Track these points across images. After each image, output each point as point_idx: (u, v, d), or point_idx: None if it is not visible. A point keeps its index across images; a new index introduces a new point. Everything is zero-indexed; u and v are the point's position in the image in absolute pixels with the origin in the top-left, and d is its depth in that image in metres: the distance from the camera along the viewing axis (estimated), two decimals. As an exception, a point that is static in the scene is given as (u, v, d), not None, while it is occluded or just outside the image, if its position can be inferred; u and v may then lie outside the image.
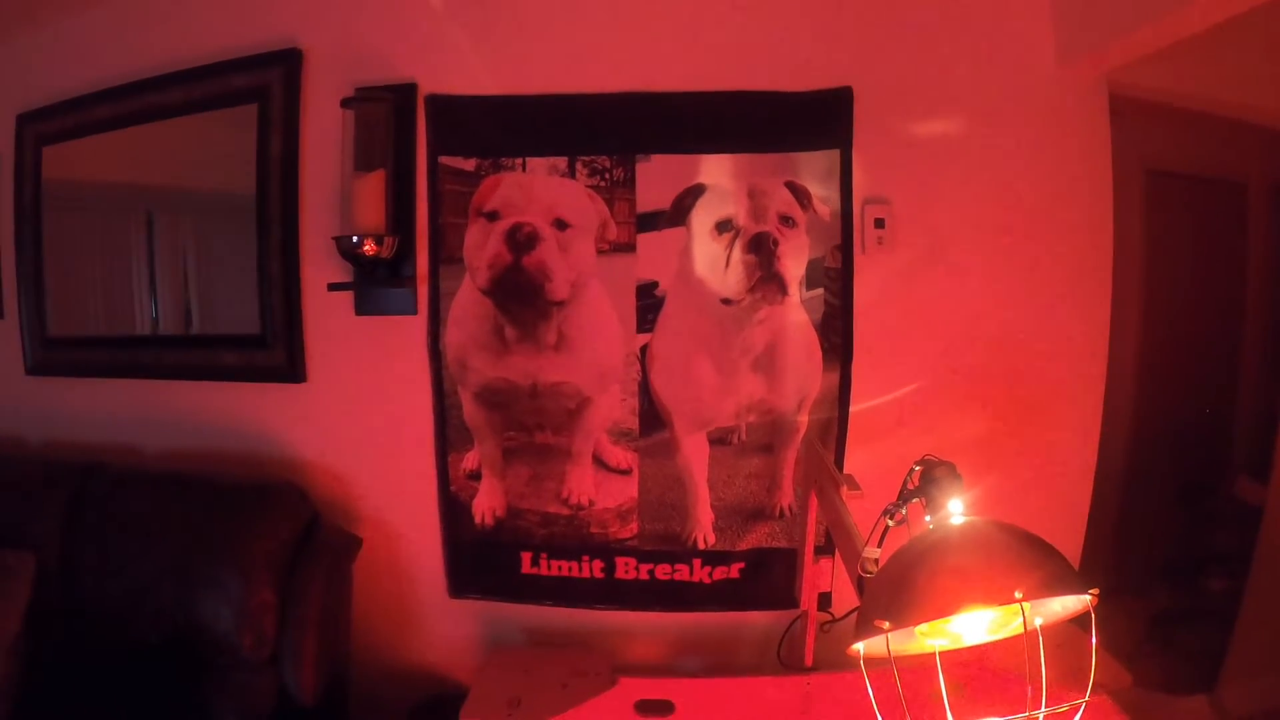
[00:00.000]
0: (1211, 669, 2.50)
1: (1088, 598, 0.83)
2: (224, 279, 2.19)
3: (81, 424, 2.28)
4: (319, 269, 2.00)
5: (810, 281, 1.87)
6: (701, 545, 1.95)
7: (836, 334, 1.88)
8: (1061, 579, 0.81)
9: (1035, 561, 0.82)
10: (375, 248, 1.83)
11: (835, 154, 1.85)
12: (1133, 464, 2.79)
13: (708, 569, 1.95)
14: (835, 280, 1.87)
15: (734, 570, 1.95)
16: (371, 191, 1.83)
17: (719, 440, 1.93)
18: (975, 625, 0.91)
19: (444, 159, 1.93)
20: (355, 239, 1.81)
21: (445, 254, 1.94)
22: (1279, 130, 2.49)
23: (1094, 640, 0.85)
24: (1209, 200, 2.98)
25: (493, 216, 1.90)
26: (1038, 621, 0.86)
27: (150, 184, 2.23)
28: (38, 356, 2.36)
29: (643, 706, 1.58)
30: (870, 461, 1.83)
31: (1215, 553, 2.79)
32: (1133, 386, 2.72)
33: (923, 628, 0.90)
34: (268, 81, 2.01)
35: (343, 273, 1.96)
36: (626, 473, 1.95)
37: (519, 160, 1.90)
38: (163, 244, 2.24)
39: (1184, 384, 2.93)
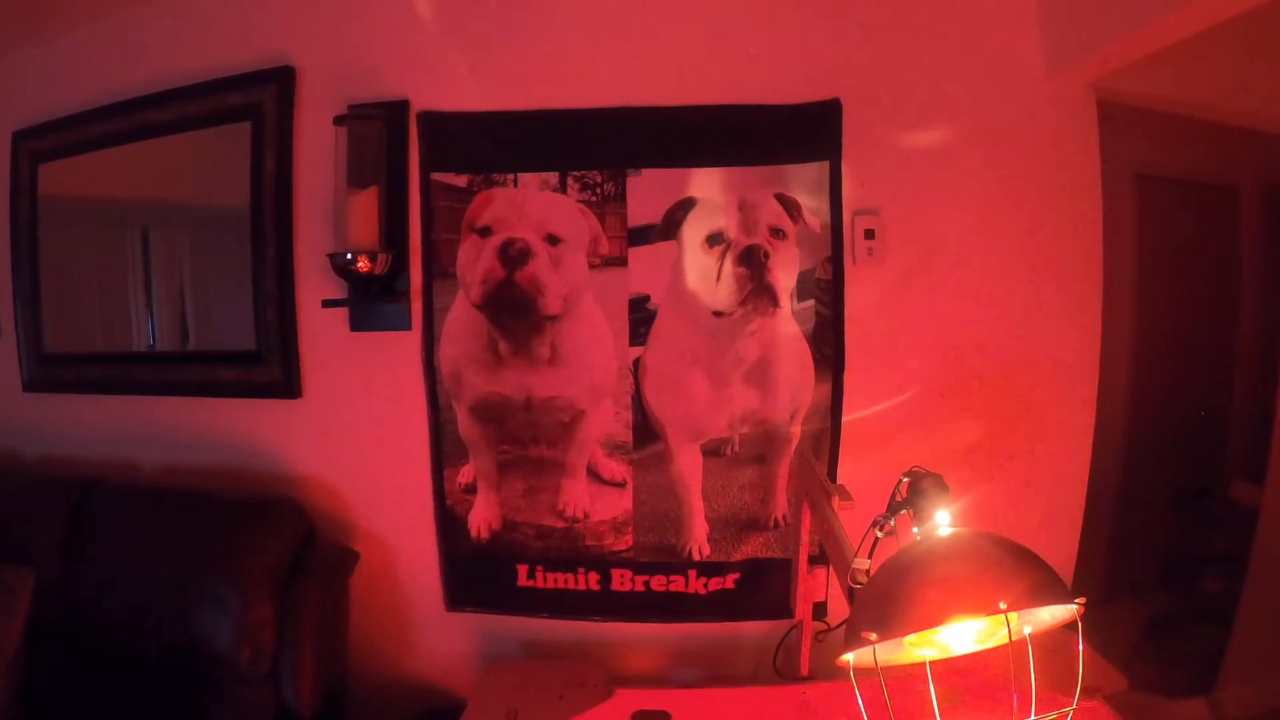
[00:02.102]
0: (1209, 671, 2.50)
1: (1075, 606, 0.84)
2: (220, 295, 2.19)
3: (78, 440, 2.28)
4: (314, 285, 2.01)
5: (801, 293, 1.88)
6: (696, 556, 1.95)
7: (828, 345, 1.88)
8: (1046, 589, 0.82)
9: (1020, 571, 0.83)
10: (369, 264, 1.84)
11: (825, 166, 1.86)
12: (1129, 468, 2.78)
13: (703, 580, 1.96)
14: (826, 291, 1.88)
15: (729, 581, 1.95)
16: (365, 208, 1.84)
17: (712, 452, 1.93)
18: (963, 635, 0.92)
19: (436, 175, 1.94)
20: (349, 255, 1.83)
21: (439, 270, 1.95)
22: (1269, 133, 2.50)
23: (1080, 648, 0.85)
24: (1201, 204, 2.98)
25: (485, 232, 1.91)
26: (1026, 630, 0.87)
27: (146, 200, 2.24)
28: (34, 373, 2.36)
29: (640, 717, 1.58)
30: (863, 472, 1.83)
31: (1212, 555, 2.79)
32: (1128, 391, 2.72)
33: (911, 638, 0.91)
34: (261, 99, 2.02)
35: (337, 289, 1.97)
36: (621, 485, 1.95)
37: (510, 176, 1.91)
38: (159, 260, 2.24)
39: (1179, 388, 2.93)
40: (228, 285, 2.12)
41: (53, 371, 2.34)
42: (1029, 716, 0.83)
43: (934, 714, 0.85)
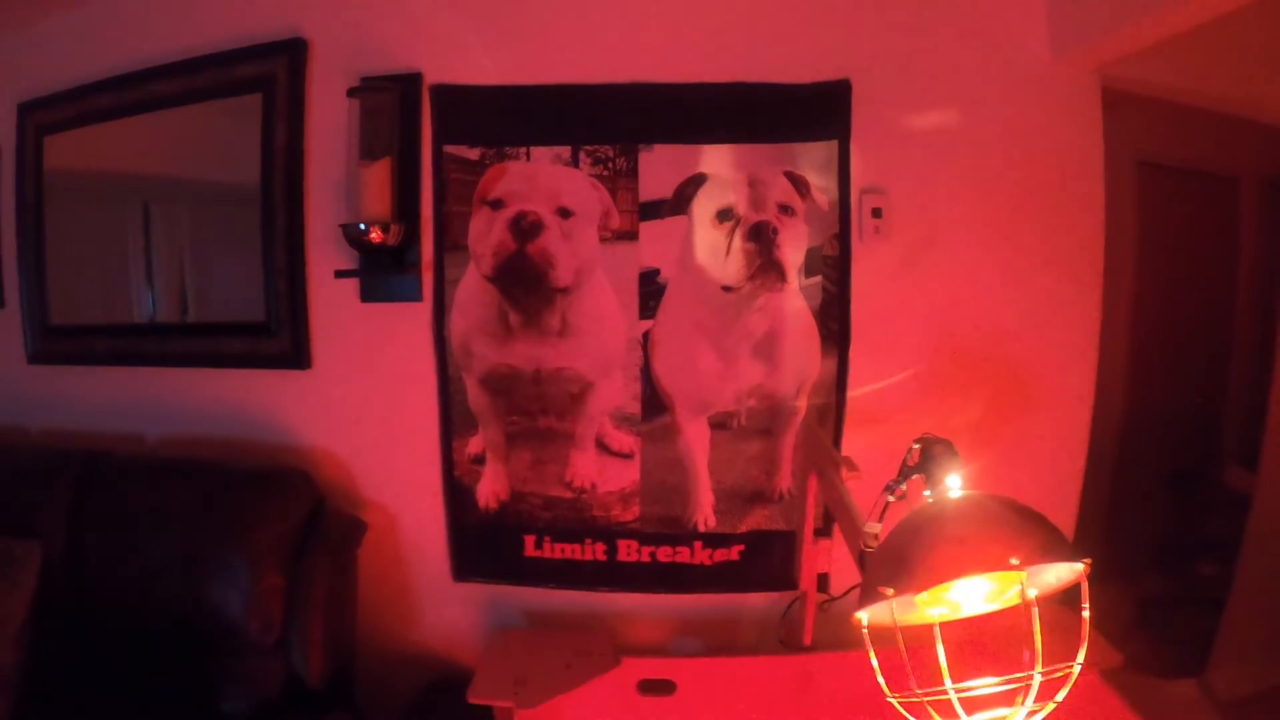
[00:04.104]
0: (1201, 653, 2.54)
1: (1080, 566, 0.86)
2: (228, 267, 2.20)
3: (83, 412, 2.29)
4: (323, 256, 2.02)
5: (809, 269, 1.90)
6: (702, 528, 1.98)
7: (834, 321, 1.91)
8: (1056, 547, 0.85)
9: (1031, 531, 0.86)
10: (382, 235, 1.85)
11: (833, 145, 1.88)
12: (1125, 451, 2.82)
13: (708, 551, 1.98)
14: (833, 268, 1.90)
15: (734, 552, 1.98)
16: (378, 180, 1.85)
17: (719, 425, 1.96)
18: (973, 595, 0.94)
19: (449, 148, 1.95)
20: (362, 226, 1.84)
21: (450, 242, 1.96)
22: (1271, 125, 2.52)
23: (1085, 607, 0.88)
24: (1201, 192, 3.01)
25: (497, 205, 1.92)
26: (1032, 593, 0.89)
27: (154, 173, 2.24)
28: (39, 345, 2.36)
29: (645, 686, 1.60)
30: (867, 445, 1.86)
31: (1205, 539, 2.83)
32: (1125, 375, 2.75)
33: (923, 597, 0.93)
34: (273, 71, 2.02)
35: (347, 260, 1.98)
36: (629, 456, 1.97)
37: (523, 149, 1.92)
38: (167, 232, 2.25)
39: (1175, 373, 2.97)
40: (236, 258, 2.12)
41: (58, 344, 2.34)
42: (1035, 670, 0.85)
43: (942, 673, 0.87)
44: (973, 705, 0.86)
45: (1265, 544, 2.50)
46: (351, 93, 1.89)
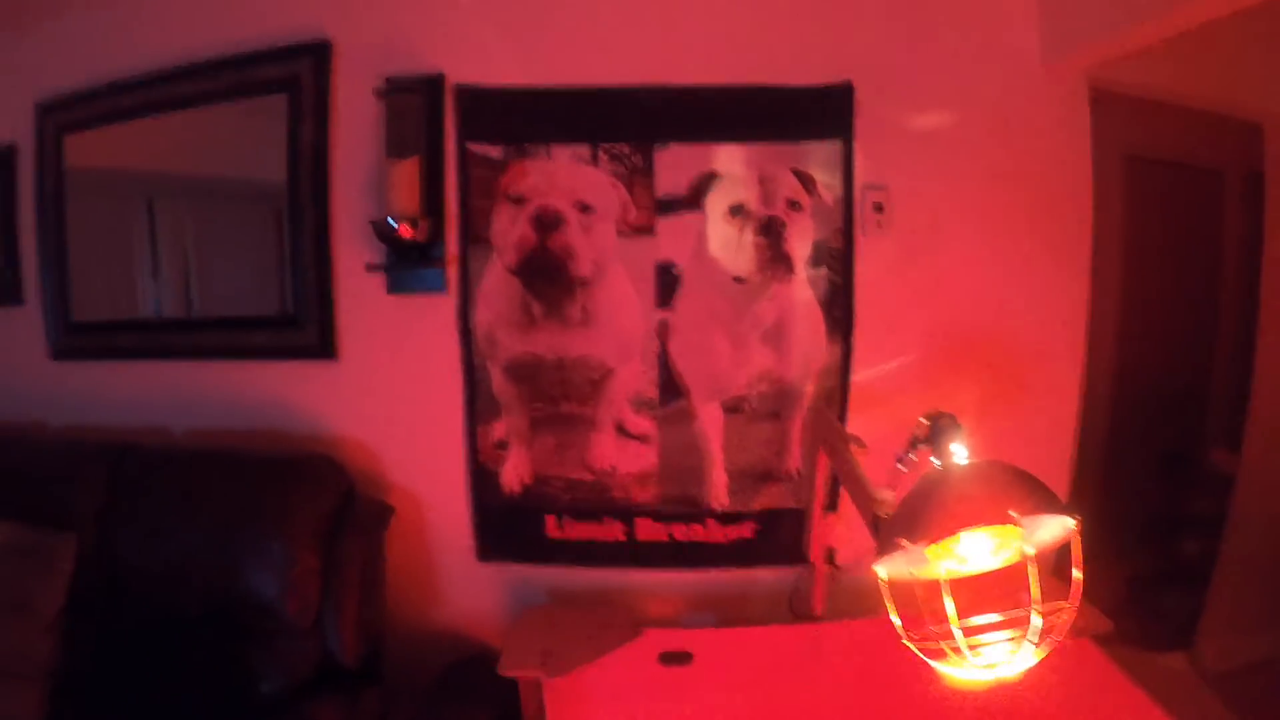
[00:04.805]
0: (1189, 627, 2.63)
1: (1071, 523, 0.97)
2: (242, 261, 2.25)
3: (108, 408, 2.30)
4: (348, 251, 2.07)
5: (815, 261, 1.99)
6: (716, 507, 2.06)
7: (839, 309, 2.00)
8: (1050, 503, 0.95)
9: (1028, 491, 0.96)
10: (411, 230, 1.91)
11: (838, 144, 1.96)
12: (1114, 434, 2.88)
13: (722, 529, 2.07)
14: (838, 260, 1.99)
15: (747, 529, 2.06)
16: (406, 177, 1.91)
17: (732, 408, 2.04)
18: (979, 550, 1.04)
19: (472, 146, 2.01)
20: (392, 222, 1.89)
21: (474, 236, 2.03)
22: (1254, 123, 2.61)
23: (1077, 552, 0.98)
24: (1187, 185, 3.08)
25: (519, 201, 1.99)
26: (1029, 550, 0.99)
27: (167, 170, 2.27)
28: (62, 341, 2.36)
29: (665, 656, 1.68)
30: (870, 426, 1.91)
31: (1191, 518, 2.91)
32: (1114, 361, 2.81)
33: (934, 550, 1.03)
34: (297, 72, 2.06)
35: (371, 253, 2.03)
36: (646, 440, 2.05)
37: (544, 148, 1.98)
38: (175, 229, 2.28)
39: (1162, 359, 3.04)
40: (251, 253, 2.19)
41: (81, 340, 2.35)
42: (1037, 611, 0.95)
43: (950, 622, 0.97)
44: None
45: (1248, 523, 2.58)
46: (380, 94, 1.96)
